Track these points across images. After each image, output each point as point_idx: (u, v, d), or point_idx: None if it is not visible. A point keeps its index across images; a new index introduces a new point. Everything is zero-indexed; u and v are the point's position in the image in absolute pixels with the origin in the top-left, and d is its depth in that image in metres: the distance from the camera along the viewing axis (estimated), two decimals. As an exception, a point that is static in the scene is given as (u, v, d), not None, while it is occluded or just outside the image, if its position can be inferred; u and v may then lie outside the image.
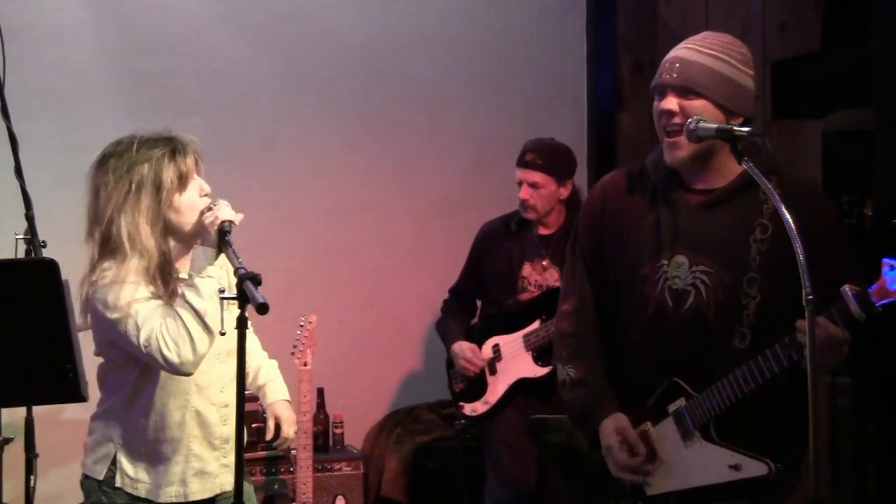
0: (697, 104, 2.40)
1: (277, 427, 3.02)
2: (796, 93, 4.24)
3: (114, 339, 2.64)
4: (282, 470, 4.29)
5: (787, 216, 2.15)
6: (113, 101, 4.48)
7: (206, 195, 2.71)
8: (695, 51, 2.44)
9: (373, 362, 4.96)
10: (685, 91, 2.42)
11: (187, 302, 2.58)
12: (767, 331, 2.33)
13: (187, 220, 2.68)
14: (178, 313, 2.57)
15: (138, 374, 2.69)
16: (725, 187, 2.46)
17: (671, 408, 2.49)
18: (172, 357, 2.56)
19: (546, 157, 3.95)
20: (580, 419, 2.62)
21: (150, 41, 4.58)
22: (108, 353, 2.74)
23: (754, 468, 2.36)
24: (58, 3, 4.45)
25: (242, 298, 2.37)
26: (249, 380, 3.03)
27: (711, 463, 2.42)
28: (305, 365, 3.92)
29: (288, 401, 3.05)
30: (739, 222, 2.43)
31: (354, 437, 4.76)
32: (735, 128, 2.34)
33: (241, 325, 2.37)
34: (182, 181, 2.68)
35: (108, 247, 2.66)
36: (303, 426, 3.90)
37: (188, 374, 2.64)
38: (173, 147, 2.69)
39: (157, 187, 2.64)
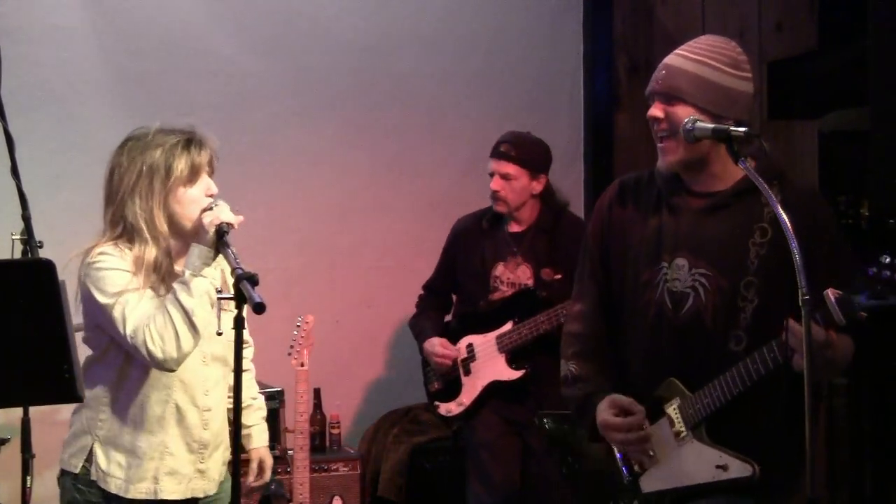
0: (681, 110, 2.43)
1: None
2: (792, 93, 4.25)
3: (102, 323, 2.66)
4: (278, 470, 4.27)
5: (784, 217, 2.17)
6: (109, 101, 4.48)
7: (210, 195, 2.71)
8: (682, 57, 2.47)
9: (370, 362, 4.96)
10: (669, 98, 2.46)
11: (177, 299, 2.59)
12: (763, 335, 2.34)
13: (188, 214, 2.69)
14: (167, 309, 2.59)
15: (122, 360, 2.70)
16: (727, 191, 2.48)
17: (667, 407, 2.51)
18: (157, 352, 2.58)
19: (520, 149, 3.90)
20: (579, 411, 2.65)
21: (147, 41, 4.58)
22: (94, 339, 2.74)
23: (739, 469, 2.38)
24: (54, 4, 4.45)
25: (239, 298, 2.38)
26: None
27: (700, 462, 2.44)
28: (302, 365, 3.92)
29: (268, 446, 3.09)
30: (739, 226, 2.45)
31: (351, 437, 4.76)
32: (731, 128, 2.36)
33: (238, 324, 2.39)
34: (192, 174, 2.69)
35: (117, 229, 2.70)
36: (300, 426, 3.90)
37: (171, 371, 2.65)
38: (189, 139, 2.71)
39: (167, 174, 2.66)
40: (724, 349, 2.42)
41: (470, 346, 4.03)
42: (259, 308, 2.33)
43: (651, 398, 2.53)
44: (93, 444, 2.72)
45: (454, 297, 4.27)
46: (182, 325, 2.58)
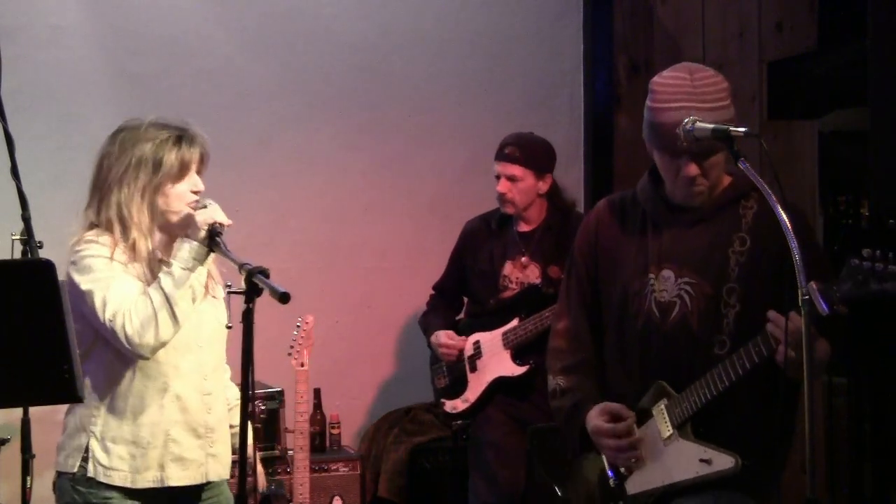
0: (715, 160, 2.49)
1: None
2: (792, 93, 4.25)
3: (84, 311, 2.64)
4: (279, 470, 4.29)
5: (783, 215, 2.20)
6: (109, 102, 4.48)
7: (196, 192, 2.72)
8: (702, 109, 2.44)
9: (369, 362, 4.96)
10: (704, 155, 2.48)
11: (161, 287, 2.60)
12: (745, 339, 2.40)
13: (173, 208, 2.70)
14: (150, 295, 2.60)
15: (111, 355, 2.68)
16: (706, 206, 2.56)
17: (654, 409, 2.56)
18: (133, 335, 2.58)
19: (525, 150, 3.93)
20: (567, 421, 2.70)
21: (146, 41, 4.58)
22: (81, 334, 2.68)
23: (723, 462, 2.42)
24: (54, 4, 4.45)
25: (250, 293, 2.40)
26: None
27: (685, 458, 2.49)
28: (302, 365, 3.92)
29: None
30: (719, 236, 2.53)
31: (351, 437, 4.77)
32: (731, 128, 2.38)
33: (248, 319, 2.40)
34: (181, 170, 2.70)
35: (100, 217, 2.71)
36: (300, 426, 3.91)
37: (144, 357, 2.64)
38: (181, 135, 2.72)
39: (156, 167, 2.68)
40: (710, 354, 2.49)
41: (477, 343, 4.06)
42: (284, 298, 2.35)
43: (640, 402, 2.58)
44: (89, 441, 2.69)
45: (465, 300, 4.29)
46: (163, 313, 2.58)
